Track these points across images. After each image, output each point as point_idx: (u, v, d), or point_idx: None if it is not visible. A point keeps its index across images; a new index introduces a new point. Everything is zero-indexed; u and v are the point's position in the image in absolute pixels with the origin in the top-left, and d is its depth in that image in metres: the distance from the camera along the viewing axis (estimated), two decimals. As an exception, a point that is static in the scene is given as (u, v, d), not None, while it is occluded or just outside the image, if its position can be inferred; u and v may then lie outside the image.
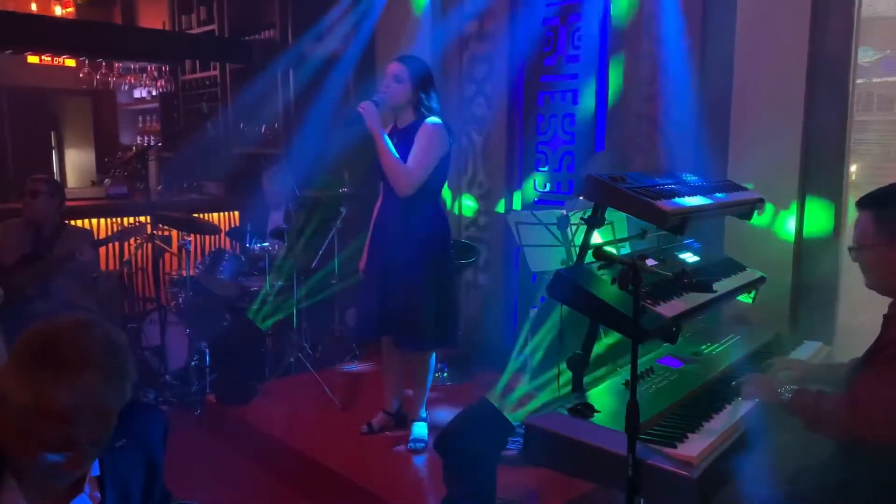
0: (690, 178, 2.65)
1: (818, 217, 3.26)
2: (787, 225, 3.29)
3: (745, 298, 2.72)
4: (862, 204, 2.02)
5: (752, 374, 2.22)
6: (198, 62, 6.92)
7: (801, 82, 3.19)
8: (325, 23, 5.73)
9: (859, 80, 3.15)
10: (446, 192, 4.90)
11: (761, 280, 2.74)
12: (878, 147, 3.26)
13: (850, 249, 2.05)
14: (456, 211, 4.97)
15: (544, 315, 3.63)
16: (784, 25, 3.22)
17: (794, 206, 3.26)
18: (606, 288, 2.06)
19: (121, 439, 1.39)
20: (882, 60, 3.18)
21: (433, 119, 3.10)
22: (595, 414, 1.96)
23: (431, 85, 3.18)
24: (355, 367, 4.54)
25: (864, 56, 3.15)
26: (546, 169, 4.44)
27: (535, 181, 4.52)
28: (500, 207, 4.67)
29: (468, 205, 4.96)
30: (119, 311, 5.23)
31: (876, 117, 3.23)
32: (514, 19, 4.48)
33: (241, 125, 6.47)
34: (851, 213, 3.17)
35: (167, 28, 7.17)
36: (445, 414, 3.55)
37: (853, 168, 3.22)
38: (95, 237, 4.49)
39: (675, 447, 1.80)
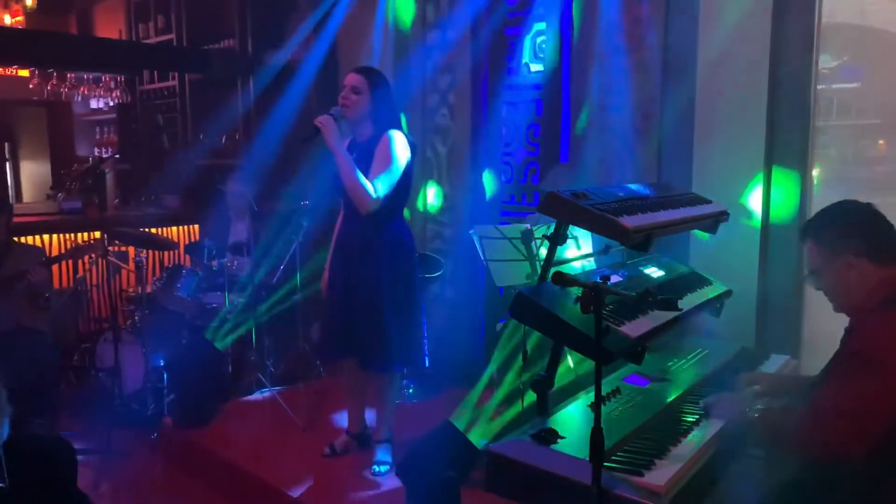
0: (654, 191, 2.61)
1: (783, 226, 3.24)
2: (752, 235, 3.27)
3: (711, 312, 2.68)
4: (803, 233, 2.08)
5: (720, 393, 2.18)
6: (155, 72, 6.76)
7: (763, 90, 3.18)
8: (286, 32, 5.63)
9: (819, 87, 3.16)
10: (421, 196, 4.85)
11: (727, 294, 2.71)
12: (836, 152, 3.27)
13: (806, 278, 2.09)
14: (420, 207, 4.88)
15: (511, 329, 3.57)
16: (745, 33, 3.20)
17: (758, 215, 3.24)
18: (570, 308, 1.99)
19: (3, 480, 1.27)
20: (840, 67, 3.19)
21: (393, 131, 3.01)
22: (559, 440, 1.90)
23: (390, 95, 3.10)
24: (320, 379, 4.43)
25: (823, 63, 3.16)
26: (511, 180, 4.38)
27: (499, 192, 4.46)
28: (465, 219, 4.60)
29: (433, 204, 4.88)
30: (73, 331, 5.04)
31: (835, 122, 3.24)
32: (476, 29, 4.43)
33: (201, 136, 6.32)
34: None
35: (123, 37, 6.99)
36: (411, 434, 3.46)
37: (815, 173, 3.22)
38: (48, 254, 4.33)
39: (643, 475, 1.74)
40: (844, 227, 1.98)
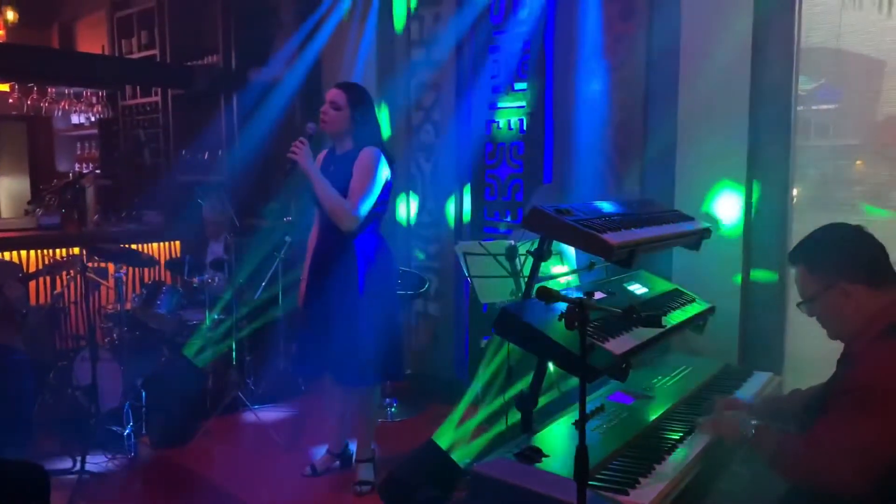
0: (638, 208, 2.62)
1: (765, 243, 3.26)
2: (735, 252, 3.28)
3: (694, 329, 2.68)
4: (793, 259, 2.01)
5: (711, 416, 2.16)
6: (138, 87, 6.72)
7: (744, 111, 3.22)
8: (270, 49, 5.63)
9: (798, 108, 3.20)
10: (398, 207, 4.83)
11: (710, 310, 2.72)
12: (815, 172, 3.30)
13: (798, 306, 2.02)
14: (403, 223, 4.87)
15: (495, 346, 3.55)
16: (726, 55, 3.24)
17: (740, 233, 3.26)
18: (554, 325, 1.98)
19: None
20: (818, 89, 3.23)
21: (371, 147, 3.01)
22: (544, 458, 1.88)
23: (371, 112, 3.10)
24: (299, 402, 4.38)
25: (802, 84, 3.20)
26: (495, 197, 4.39)
27: (484, 209, 4.46)
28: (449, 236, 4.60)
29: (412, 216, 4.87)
30: (49, 349, 4.95)
31: (813, 143, 3.28)
32: (460, 46, 4.45)
33: (183, 152, 6.28)
34: (797, 238, 3.21)
35: (107, 52, 6.95)
36: (393, 453, 3.42)
37: (794, 192, 3.26)
38: (24, 270, 4.26)
39: (627, 494, 1.72)
40: (838, 252, 1.91)
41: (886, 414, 1.70)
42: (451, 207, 4.62)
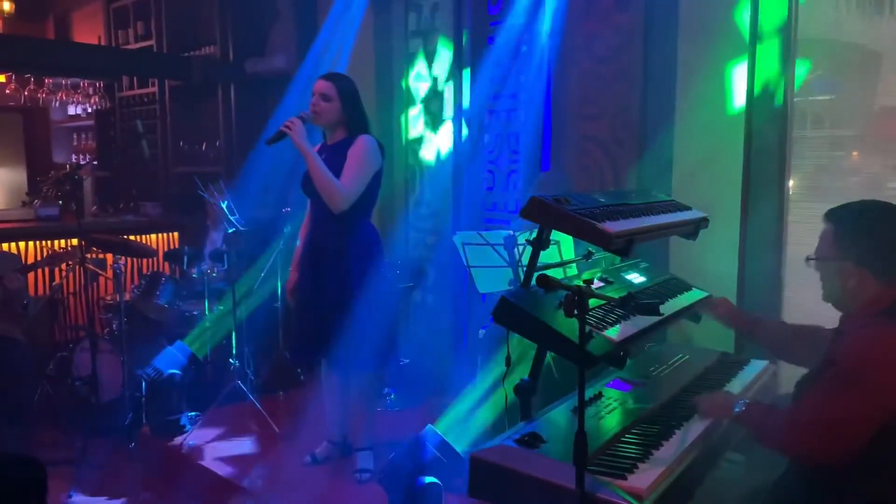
0: (636, 197, 2.63)
1: (760, 234, 3.28)
2: (731, 241, 3.30)
3: (691, 318, 2.70)
4: (827, 217, 2.01)
5: (710, 392, 2.20)
6: (135, 78, 6.71)
7: (741, 101, 3.23)
8: (267, 39, 5.62)
9: (795, 98, 3.21)
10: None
11: (707, 299, 2.73)
12: (811, 163, 3.32)
13: (807, 259, 2.04)
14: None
15: (494, 336, 3.57)
16: (724, 45, 3.25)
17: (737, 223, 3.28)
18: (552, 312, 2.00)
19: None
20: (814, 80, 3.24)
21: (368, 136, 3.10)
22: (543, 444, 1.90)
23: (359, 100, 3.17)
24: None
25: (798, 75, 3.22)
26: (493, 188, 4.40)
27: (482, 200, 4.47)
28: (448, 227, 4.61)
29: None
30: (49, 339, 4.97)
31: (809, 133, 3.30)
32: (458, 37, 4.45)
33: (181, 143, 6.28)
34: (792, 230, 3.23)
35: (103, 43, 6.93)
36: (392, 441, 3.44)
37: (790, 183, 3.27)
38: (23, 262, 4.26)
39: (626, 479, 1.74)
40: (868, 233, 1.90)
41: (864, 391, 1.74)
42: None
